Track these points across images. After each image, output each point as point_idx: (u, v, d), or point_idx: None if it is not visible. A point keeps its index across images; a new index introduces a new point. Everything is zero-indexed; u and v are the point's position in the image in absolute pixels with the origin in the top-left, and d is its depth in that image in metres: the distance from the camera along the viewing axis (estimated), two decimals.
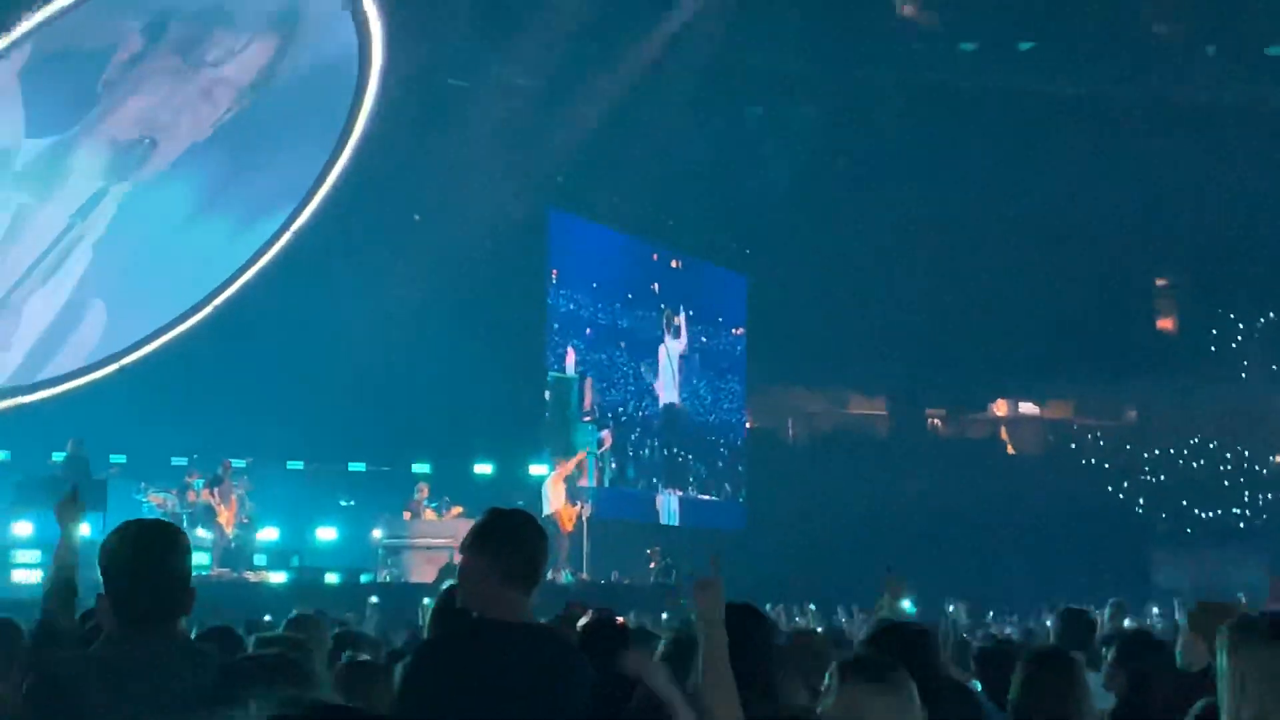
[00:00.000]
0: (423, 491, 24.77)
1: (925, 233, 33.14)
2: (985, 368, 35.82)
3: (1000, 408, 40.72)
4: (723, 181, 31.80)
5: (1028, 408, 40.79)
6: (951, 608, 19.91)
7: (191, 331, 27.31)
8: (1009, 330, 34.20)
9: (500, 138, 28.25)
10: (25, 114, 25.33)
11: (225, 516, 23.31)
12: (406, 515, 24.35)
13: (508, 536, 4.89)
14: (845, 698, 4.42)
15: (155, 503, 22.99)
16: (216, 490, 23.41)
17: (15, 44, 24.40)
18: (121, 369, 26.61)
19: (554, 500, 25.04)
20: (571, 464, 26.63)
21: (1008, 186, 32.49)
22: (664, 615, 16.80)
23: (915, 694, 4.46)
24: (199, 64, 26.51)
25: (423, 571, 22.08)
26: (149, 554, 4.39)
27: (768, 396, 37.57)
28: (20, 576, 21.94)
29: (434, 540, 22.55)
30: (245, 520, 24.07)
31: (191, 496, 23.12)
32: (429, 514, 24.32)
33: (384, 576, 22.64)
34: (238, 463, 26.32)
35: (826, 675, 4.58)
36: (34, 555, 22.43)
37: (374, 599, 16.67)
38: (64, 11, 24.47)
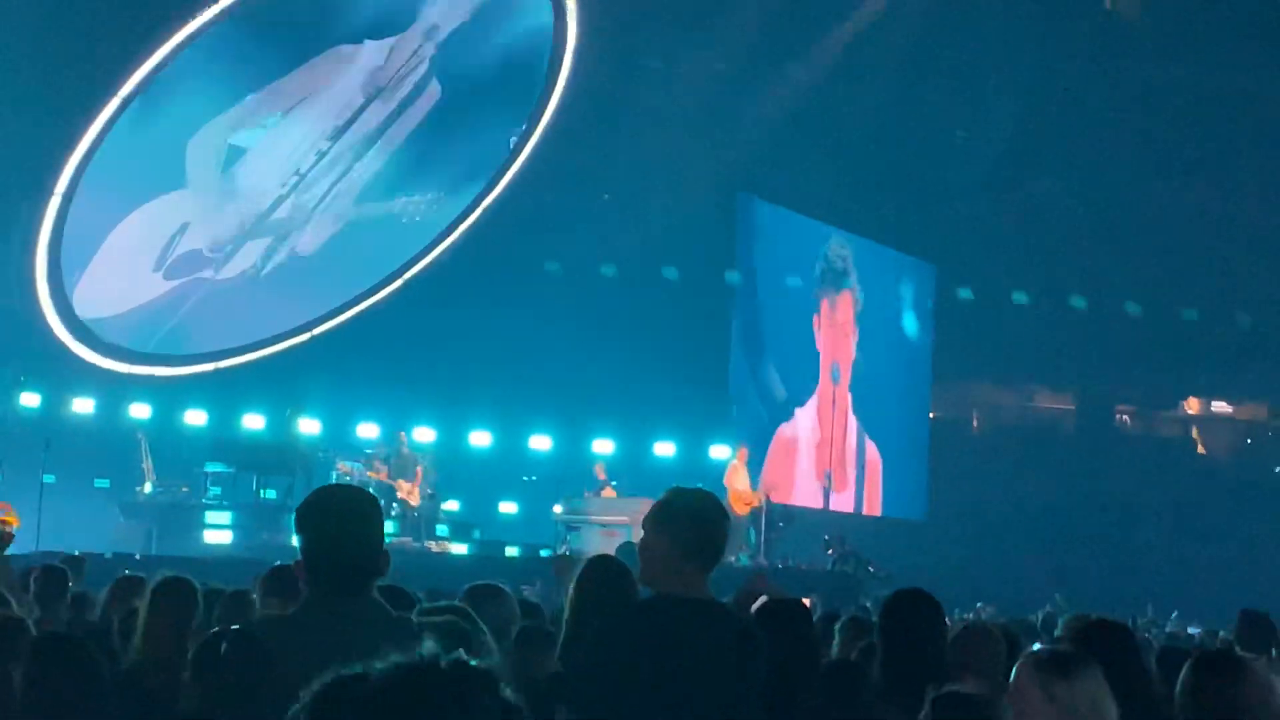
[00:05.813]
0: (600, 472, 24.92)
1: (1120, 227, 32.45)
2: (1178, 365, 34.98)
3: (1192, 405, 39.79)
4: (917, 171, 31.30)
5: (1220, 407, 39.81)
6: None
7: (384, 304, 27.70)
8: (1204, 327, 33.47)
9: (693, 121, 28.27)
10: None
11: (406, 489, 23.60)
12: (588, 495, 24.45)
13: (689, 514, 4.94)
14: (1033, 688, 4.46)
15: (342, 471, 23.44)
16: (390, 464, 23.73)
17: None
18: (313, 338, 27.09)
19: (735, 483, 24.62)
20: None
21: (1206, 178, 31.70)
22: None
23: (1105, 689, 4.48)
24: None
25: (600, 547, 22.19)
26: (347, 519, 4.43)
27: (953, 388, 37.05)
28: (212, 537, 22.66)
29: (613, 518, 22.68)
30: (430, 492, 24.41)
31: (371, 474, 23.49)
32: (608, 492, 24.46)
33: (563, 551, 22.84)
34: (423, 438, 26.69)
35: (1014, 668, 4.62)
36: (224, 517, 23.16)
37: (538, 583, 16.70)
38: None
